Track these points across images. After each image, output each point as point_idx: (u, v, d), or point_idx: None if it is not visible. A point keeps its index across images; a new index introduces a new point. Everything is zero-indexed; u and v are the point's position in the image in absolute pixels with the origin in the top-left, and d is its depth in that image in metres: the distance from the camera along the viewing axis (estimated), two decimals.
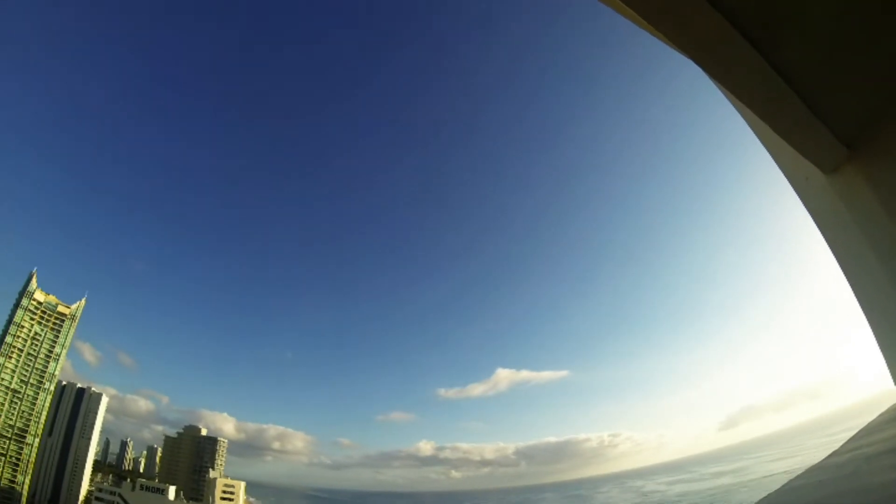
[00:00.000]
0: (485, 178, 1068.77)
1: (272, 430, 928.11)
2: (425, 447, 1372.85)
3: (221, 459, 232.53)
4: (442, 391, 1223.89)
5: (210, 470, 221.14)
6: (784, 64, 3.83)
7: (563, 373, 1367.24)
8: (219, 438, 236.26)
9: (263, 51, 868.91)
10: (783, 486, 5.48)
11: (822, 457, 6.44)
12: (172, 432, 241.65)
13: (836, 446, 6.63)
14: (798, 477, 5.73)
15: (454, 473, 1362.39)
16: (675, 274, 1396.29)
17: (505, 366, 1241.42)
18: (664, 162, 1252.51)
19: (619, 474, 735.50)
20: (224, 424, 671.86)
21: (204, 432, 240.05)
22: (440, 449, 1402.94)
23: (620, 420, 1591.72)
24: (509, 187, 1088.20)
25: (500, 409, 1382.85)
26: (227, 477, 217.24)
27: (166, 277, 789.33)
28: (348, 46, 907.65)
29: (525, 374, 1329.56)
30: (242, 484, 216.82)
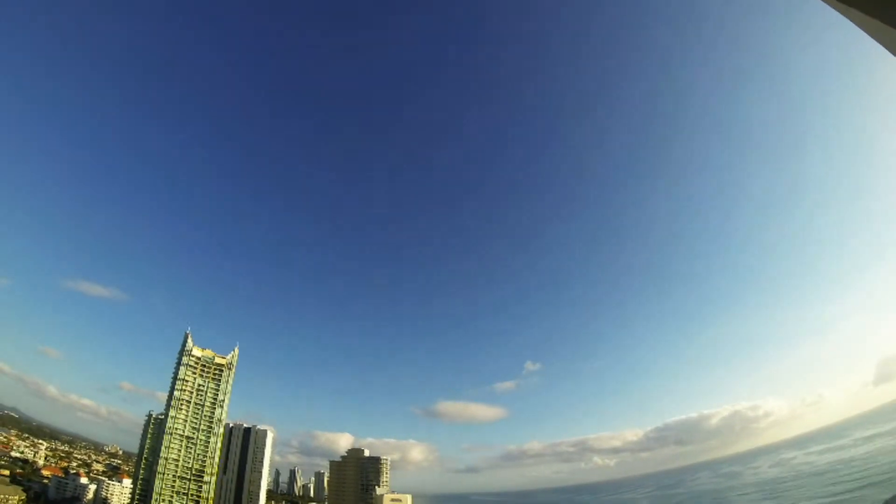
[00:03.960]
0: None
1: (387, 443, 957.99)
2: (534, 444, 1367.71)
3: (386, 476, 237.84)
4: (471, 391, 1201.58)
5: (376, 487, 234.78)
6: None
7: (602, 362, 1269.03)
8: (381, 457, 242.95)
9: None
10: None
11: None
12: (336, 457, 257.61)
13: None
14: None
15: (598, 461, 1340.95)
16: (803, 221, 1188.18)
17: (533, 360, 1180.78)
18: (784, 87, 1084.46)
19: (771, 446, 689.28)
20: (341, 442, 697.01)
21: (367, 453, 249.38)
22: (556, 444, 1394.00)
23: (756, 388, 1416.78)
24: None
25: (560, 401, 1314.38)
26: (393, 492, 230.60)
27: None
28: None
29: (560, 365, 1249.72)
30: (409, 497, 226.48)
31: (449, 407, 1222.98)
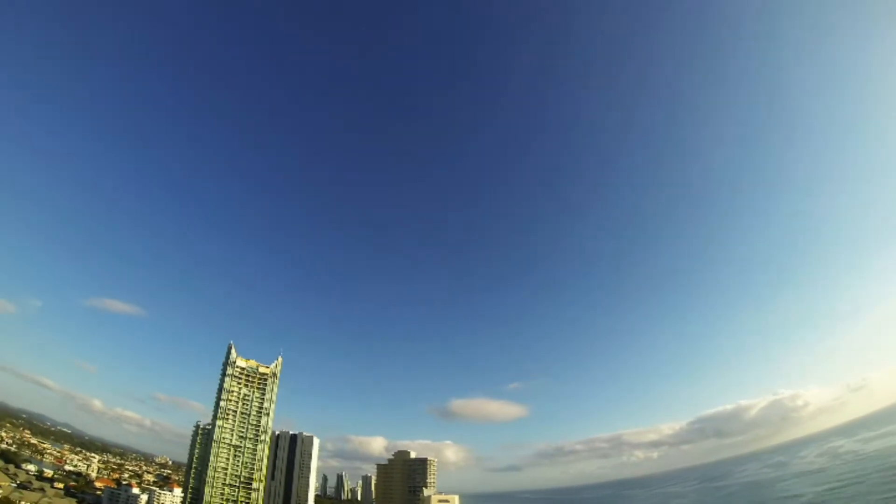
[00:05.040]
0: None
1: (422, 444, 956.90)
2: (571, 441, 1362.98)
3: (433, 478, 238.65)
4: (485, 390, 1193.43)
5: (423, 489, 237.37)
6: None
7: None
8: (428, 459, 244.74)
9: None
10: None
11: None
12: (371, 459, 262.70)
13: None
14: None
15: (640, 455, 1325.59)
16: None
17: (554, 360, 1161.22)
18: None
19: (817, 435, 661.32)
20: (374, 445, 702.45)
21: (413, 455, 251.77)
22: (591, 440, 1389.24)
23: (795, 376, 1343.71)
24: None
25: (585, 399, 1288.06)
26: (440, 493, 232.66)
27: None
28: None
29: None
30: (456, 497, 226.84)
31: (464, 406, 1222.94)
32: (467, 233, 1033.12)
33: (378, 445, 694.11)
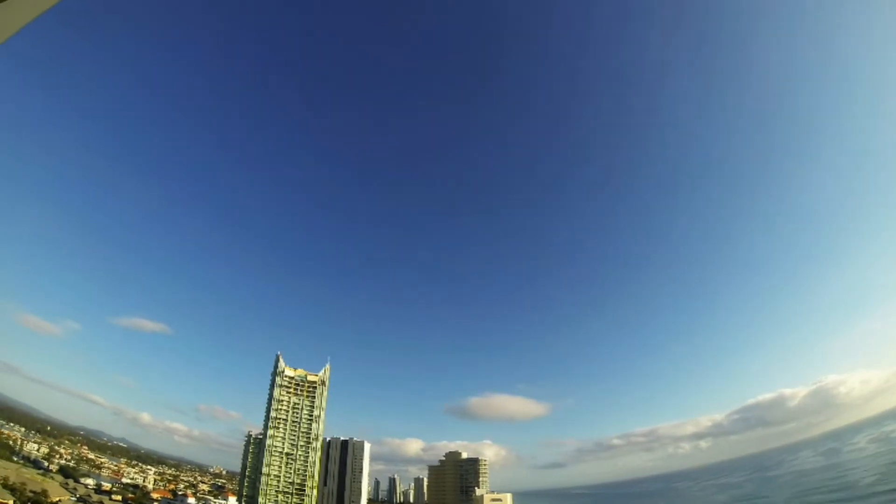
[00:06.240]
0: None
1: (461, 445, 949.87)
2: (610, 437, 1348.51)
3: (485, 477, 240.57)
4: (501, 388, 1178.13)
5: (475, 488, 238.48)
6: None
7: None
8: (479, 458, 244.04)
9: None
10: None
11: None
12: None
13: None
14: None
15: (686, 447, 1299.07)
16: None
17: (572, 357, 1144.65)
18: None
19: (871, 420, 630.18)
20: (411, 447, 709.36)
21: (464, 456, 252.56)
22: (629, 435, 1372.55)
23: (838, 359, 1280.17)
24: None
25: (608, 396, 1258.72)
26: (493, 492, 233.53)
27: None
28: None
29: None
30: (509, 495, 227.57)
31: (483, 403, 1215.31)
32: (478, 238, 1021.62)
33: (415, 447, 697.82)
